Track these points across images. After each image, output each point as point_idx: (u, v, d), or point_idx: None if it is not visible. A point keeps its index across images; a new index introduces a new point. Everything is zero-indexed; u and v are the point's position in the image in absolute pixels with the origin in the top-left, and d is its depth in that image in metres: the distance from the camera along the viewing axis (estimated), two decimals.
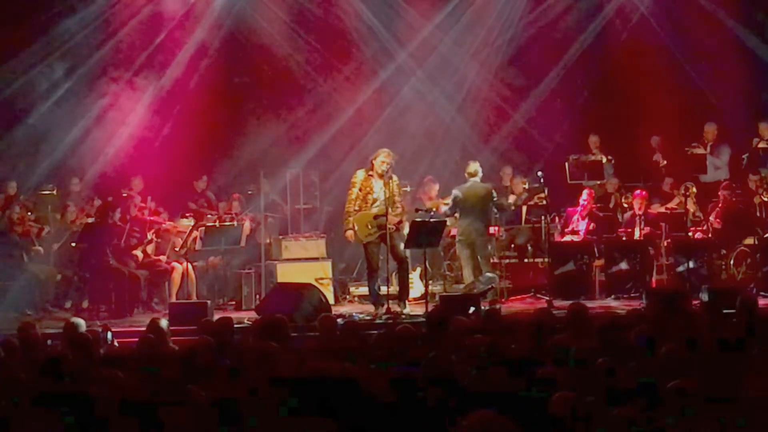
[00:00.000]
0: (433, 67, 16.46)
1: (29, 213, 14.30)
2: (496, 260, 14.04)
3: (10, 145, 15.39)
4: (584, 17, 16.56)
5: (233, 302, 14.18)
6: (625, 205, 14.64)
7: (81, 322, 8.90)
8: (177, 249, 14.00)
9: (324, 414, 5.24)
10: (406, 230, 12.48)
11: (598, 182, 15.18)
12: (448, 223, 13.48)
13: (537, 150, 16.52)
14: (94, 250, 13.27)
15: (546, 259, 13.73)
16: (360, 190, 12.25)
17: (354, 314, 12.38)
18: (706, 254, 13.75)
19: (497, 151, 16.59)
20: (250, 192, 15.37)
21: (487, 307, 11.36)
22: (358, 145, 15.48)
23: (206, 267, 14.30)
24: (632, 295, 13.27)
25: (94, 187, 15.48)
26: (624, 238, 14.12)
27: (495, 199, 13.35)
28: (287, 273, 13.67)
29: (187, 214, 14.77)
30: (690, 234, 13.85)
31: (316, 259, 14.02)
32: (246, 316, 12.13)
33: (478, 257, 13.21)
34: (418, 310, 12.36)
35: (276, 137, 16.09)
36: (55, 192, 15.09)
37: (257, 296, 13.76)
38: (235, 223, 14.14)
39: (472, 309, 11.01)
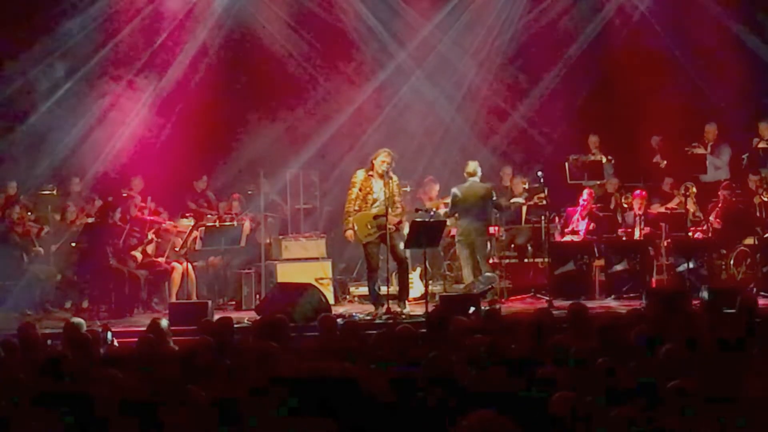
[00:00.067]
0: (433, 66, 16.46)
1: (29, 213, 14.31)
2: (496, 260, 14.04)
3: (11, 145, 15.38)
4: (584, 17, 16.56)
5: (233, 302, 14.18)
6: (625, 205, 14.64)
7: (81, 322, 8.91)
8: (177, 249, 14.00)
9: (324, 414, 5.24)
10: (406, 230, 12.48)
11: (598, 182, 15.18)
12: (448, 223, 13.48)
13: (537, 150, 16.53)
14: (94, 250, 13.27)
15: (546, 259, 13.73)
16: (360, 190, 12.25)
17: (354, 314, 12.38)
18: (706, 254, 13.75)
19: (497, 151, 16.59)
20: (250, 192, 15.37)
21: (486, 307, 11.36)
22: (358, 145, 15.49)
23: (206, 267, 14.30)
24: (632, 295, 13.26)
25: (95, 187, 15.48)
26: (624, 238, 14.11)
27: (494, 199, 13.35)
28: (287, 273, 13.67)
29: (187, 214, 14.78)
30: (690, 234, 13.85)
31: (316, 259, 14.02)
32: (246, 316, 12.13)
33: (478, 257, 13.21)
34: (418, 310, 12.36)
35: (276, 137, 16.08)
36: (55, 192, 15.09)
37: (257, 296, 13.76)
38: (235, 223, 14.14)
39: (472, 309, 11.00)
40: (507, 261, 14.26)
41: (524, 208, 14.61)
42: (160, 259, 13.86)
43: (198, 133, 15.83)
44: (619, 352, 6.79)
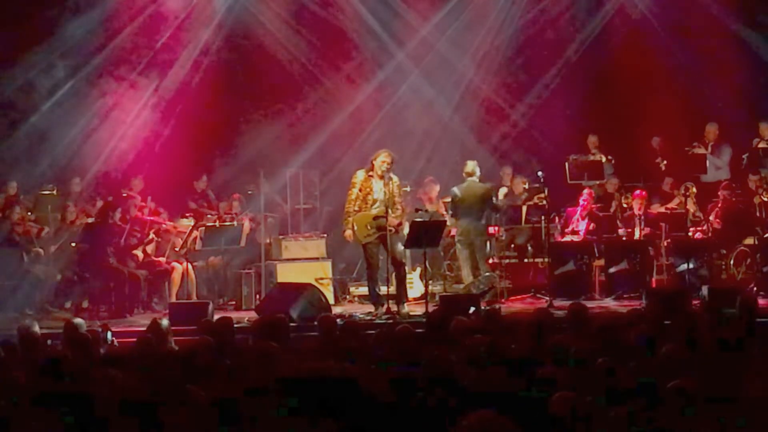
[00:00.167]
0: (433, 66, 16.46)
1: (29, 213, 14.31)
2: (496, 260, 14.05)
3: (12, 145, 15.38)
4: (584, 17, 16.56)
5: (233, 302, 14.18)
6: (625, 205, 14.64)
7: (81, 322, 8.90)
8: (177, 249, 14.00)
9: (324, 414, 5.24)
10: (406, 230, 12.48)
11: (598, 182, 15.17)
12: (448, 223, 13.49)
13: (537, 150, 16.52)
14: (94, 250, 13.28)
15: (546, 259, 13.73)
16: (360, 190, 12.24)
17: (354, 314, 12.38)
18: (706, 254, 13.74)
19: (497, 151, 16.58)
20: (250, 192, 15.37)
21: (486, 307, 11.36)
22: (359, 145, 15.48)
23: (206, 267, 14.30)
24: (632, 295, 13.26)
25: (95, 187, 15.48)
26: (624, 238, 14.11)
27: (494, 200, 13.35)
28: (287, 273, 13.67)
29: (187, 214, 14.79)
30: (690, 234, 13.85)
31: (316, 259, 14.03)
32: (246, 316, 12.13)
33: (477, 257, 13.21)
34: (418, 310, 12.36)
35: (276, 137, 16.09)
36: (55, 192, 15.09)
37: (257, 296, 13.76)
38: (235, 223, 14.14)
39: (472, 309, 11.00)
40: (507, 261, 14.25)
41: (524, 208, 14.61)
42: (160, 259, 13.87)
43: (198, 132, 15.84)
44: (619, 352, 6.79)
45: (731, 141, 15.38)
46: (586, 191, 14.31)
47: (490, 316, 9.15)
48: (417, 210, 13.13)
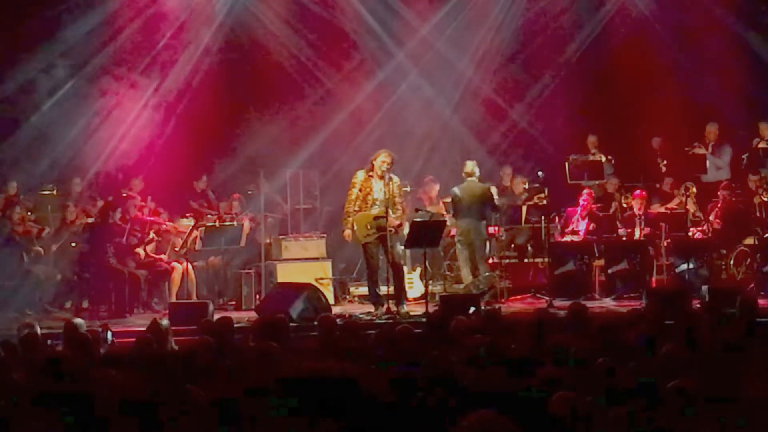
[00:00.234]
0: (433, 66, 16.46)
1: (29, 213, 14.30)
2: (496, 260, 14.05)
3: (13, 145, 15.38)
4: (584, 16, 16.55)
5: (233, 302, 14.18)
6: (625, 205, 14.64)
7: (81, 322, 8.91)
8: (177, 249, 14.00)
9: (324, 414, 5.24)
10: (406, 231, 12.48)
11: (598, 182, 15.17)
12: (448, 223, 13.49)
13: (537, 150, 16.52)
14: (94, 250, 13.28)
15: (546, 259, 13.73)
16: (360, 190, 12.25)
17: (354, 314, 12.38)
18: (706, 254, 13.75)
19: (498, 151, 16.58)
20: (250, 192, 15.37)
21: (486, 307, 11.36)
22: (359, 145, 15.48)
23: (206, 267, 14.30)
24: (632, 295, 13.26)
25: (96, 188, 15.48)
26: (624, 238, 14.11)
27: (495, 200, 13.34)
28: (287, 273, 13.67)
29: (188, 214, 14.79)
30: (690, 234, 13.85)
31: (316, 259, 14.03)
32: (246, 316, 12.12)
33: (477, 258, 13.22)
34: (418, 310, 12.37)
35: (276, 137, 16.08)
36: (55, 192, 15.10)
37: (257, 296, 13.76)
38: (235, 223, 14.15)
39: (472, 309, 11.00)
40: (507, 261, 14.26)
41: (524, 208, 14.61)
42: (162, 257, 13.87)
43: (198, 132, 15.84)
44: (619, 352, 6.79)
45: (731, 141, 15.38)
46: (586, 191, 14.31)
47: (490, 316, 9.15)
48: (417, 210, 13.12)
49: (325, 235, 14.40)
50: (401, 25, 16.45)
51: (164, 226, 14.24)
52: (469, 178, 13.33)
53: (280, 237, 14.48)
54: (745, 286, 12.99)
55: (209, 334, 7.97)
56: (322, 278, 13.66)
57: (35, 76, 15.47)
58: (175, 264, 13.72)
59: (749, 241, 13.89)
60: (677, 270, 13.66)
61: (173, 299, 13.32)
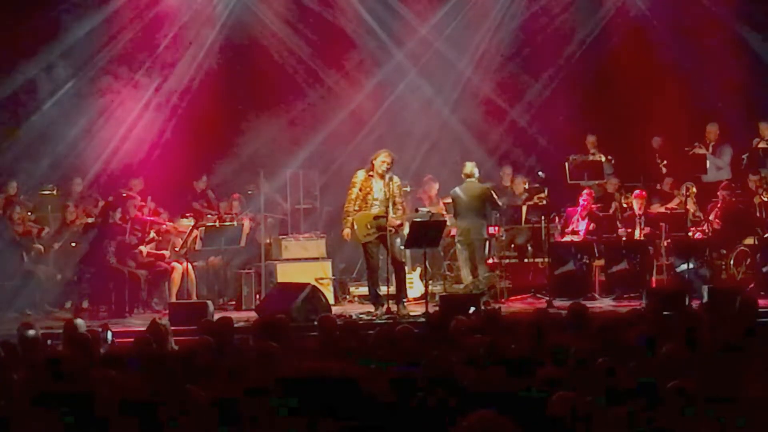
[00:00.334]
0: (432, 66, 16.46)
1: (29, 213, 14.30)
2: (496, 260, 14.05)
3: (14, 144, 15.38)
4: (584, 16, 16.55)
5: (233, 302, 14.18)
6: (625, 205, 14.63)
7: (81, 322, 8.91)
8: (177, 249, 14.00)
9: (324, 414, 5.24)
10: (406, 230, 12.48)
11: (598, 182, 15.16)
12: (448, 223, 13.49)
13: (537, 150, 16.52)
14: (94, 250, 13.28)
15: (546, 259, 13.73)
16: (360, 190, 12.25)
17: (354, 314, 12.38)
18: (706, 254, 13.75)
19: (498, 151, 16.58)
20: (250, 192, 15.37)
21: (485, 307, 11.36)
22: (359, 145, 15.48)
23: (206, 267, 14.30)
24: (632, 295, 13.26)
25: (98, 188, 15.48)
26: (624, 238, 14.11)
27: (493, 199, 13.34)
28: (287, 273, 13.67)
29: (188, 214, 14.79)
30: (690, 234, 13.85)
31: (316, 259, 14.02)
32: (246, 316, 12.12)
33: (476, 258, 13.22)
34: (418, 310, 12.37)
35: (276, 137, 16.08)
36: (55, 192, 15.10)
37: (257, 296, 13.76)
38: (235, 223, 14.15)
39: (472, 309, 11.00)
40: (507, 261, 14.25)
41: (524, 208, 14.61)
42: (164, 253, 13.87)
43: (198, 132, 15.85)
44: (619, 352, 6.78)
45: (731, 141, 15.38)
46: (586, 191, 14.30)
47: (490, 316, 9.15)
48: (417, 210, 13.12)
49: (325, 235, 14.40)
50: (401, 25, 16.45)
51: (164, 226, 14.23)
52: (468, 179, 13.33)
53: (280, 237, 14.48)
54: (745, 286, 12.98)
55: (209, 334, 7.97)
56: (322, 278, 13.66)
57: (36, 76, 15.46)
58: (175, 264, 13.72)
59: (749, 241, 13.89)
60: (677, 270, 13.65)
61: (173, 299, 13.32)
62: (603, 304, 13.13)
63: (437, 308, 11.78)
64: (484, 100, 16.71)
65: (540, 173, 13.93)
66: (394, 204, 12.17)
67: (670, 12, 16.21)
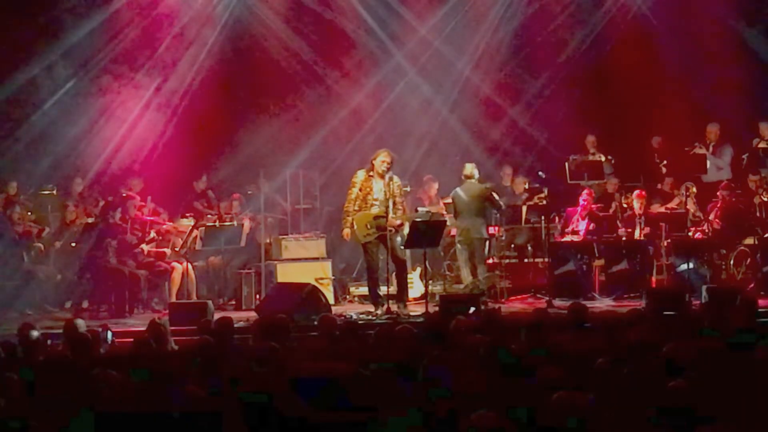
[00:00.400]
0: (432, 65, 16.45)
1: (29, 213, 14.30)
2: (496, 260, 14.05)
3: (14, 144, 15.38)
4: (584, 16, 16.54)
5: (233, 302, 14.17)
6: (625, 205, 14.63)
7: (81, 322, 8.91)
8: (177, 249, 14.00)
9: (324, 414, 5.24)
10: (406, 230, 12.48)
11: (598, 182, 15.15)
12: (447, 223, 13.49)
13: (537, 150, 16.52)
14: (94, 250, 13.28)
15: (546, 259, 13.72)
16: (360, 190, 12.26)
17: (354, 314, 12.38)
18: (706, 254, 13.75)
19: (498, 151, 16.58)
20: (250, 192, 15.37)
21: (485, 307, 11.36)
22: (359, 145, 15.48)
23: (206, 267, 14.30)
24: (632, 295, 13.26)
25: (97, 188, 15.48)
26: (624, 238, 14.11)
27: (494, 199, 13.34)
28: (287, 273, 13.66)
29: (188, 214, 14.79)
30: (690, 234, 13.85)
31: (316, 259, 14.02)
32: (246, 316, 12.12)
33: (476, 258, 13.22)
34: (418, 310, 12.37)
35: (276, 136, 16.08)
36: (55, 192, 15.10)
37: (257, 296, 13.75)
38: (235, 223, 14.14)
39: (472, 309, 11.00)
40: (507, 261, 14.25)
41: (524, 208, 14.61)
42: (165, 250, 13.87)
43: (198, 132, 15.84)
44: (619, 352, 6.78)
45: (731, 141, 15.38)
46: (585, 191, 14.30)
47: (490, 316, 9.15)
48: (417, 210, 13.11)
49: (325, 235, 14.40)
50: (401, 25, 16.44)
51: (164, 226, 14.23)
52: (468, 180, 13.33)
53: (280, 237, 14.47)
54: (745, 286, 12.99)
55: (209, 334, 7.98)
56: (322, 278, 13.65)
57: (37, 76, 15.46)
58: (175, 264, 13.72)
59: (749, 241, 13.89)
60: (677, 270, 13.66)
61: (173, 299, 13.31)
62: (603, 304, 13.13)
63: (437, 308, 11.78)
64: (484, 100, 16.70)
65: (540, 173, 13.92)
66: (394, 204, 12.17)
67: (670, 12, 16.20)
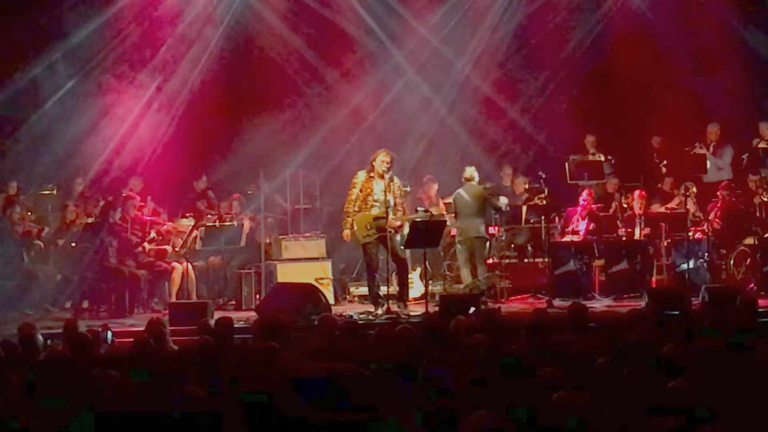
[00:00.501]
0: (432, 65, 16.45)
1: (29, 213, 14.30)
2: (496, 260, 14.05)
3: (15, 144, 15.38)
4: (583, 15, 16.55)
5: (233, 302, 14.18)
6: (625, 205, 14.63)
7: (81, 322, 8.90)
8: (177, 249, 14.00)
9: (324, 414, 5.24)
10: (406, 230, 12.48)
11: (596, 182, 15.15)
12: (447, 223, 13.50)
13: (537, 150, 16.52)
14: (94, 250, 13.28)
15: (546, 259, 13.73)
16: (360, 191, 12.26)
17: (354, 314, 12.38)
18: (706, 254, 13.75)
19: (498, 151, 16.58)
20: (250, 192, 15.37)
21: (485, 307, 11.36)
22: (359, 145, 15.48)
23: (206, 267, 14.30)
24: (632, 295, 13.26)
25: (97, 188, 15.48)
26: (624, 238, 14.11)
27: (492, 199, 13.33)
28: (287, 273, 13.67)
29: (188, 214, 14.79)
30: (690, 234, 13.85)
31: (316, 259, 14.02)
32: (246, 316, 12.12)
33: (476, 258, 13.22)
34: (418, 310, 12.37)
35: (276, 137, 16.08)
36: (55, 192, 15.10)
37: (257, 296, 13.76)
38: (235, 223, 14.15)
39: (472, 309, 11.00)
40: (507, 261, 14.25)
41: (524, 208, 14.61)
42: (166, 248, 13.86)
43: (198, 132, 15.85)
44: (619, 352, 6.78)
45: (731, 141, 15.38)
46: (585, 191, 14.30)
47: (490, 316, 9.15)
48: (417, 210, 13.12)
49: (325, 235, 14.40)
50: (400, 25, 16.44)
51: (164, 227, 14.24)
52: (468, 183, 13.34)
53: (280, 237, 14.48)
54: (745, 286, 13.00)
55: (209, 334, 7.98)
56: (322, 278, 13.66)
57: (37, 76, 15.46)
58: (175, 264, 13.72)
59: (749, 241, 13.89)
60: (677, 270, 13.66)
61: (173, 299, 13.32)
62: (603, 304, 13.13)
63: (437, 308, 11.79)
64: (483, 100, 16.71)
65: (540, 173, 13.93)
66: (394, 205, 12.17)
67: (670, 11, 16.20)
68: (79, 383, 6.34)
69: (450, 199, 13.79)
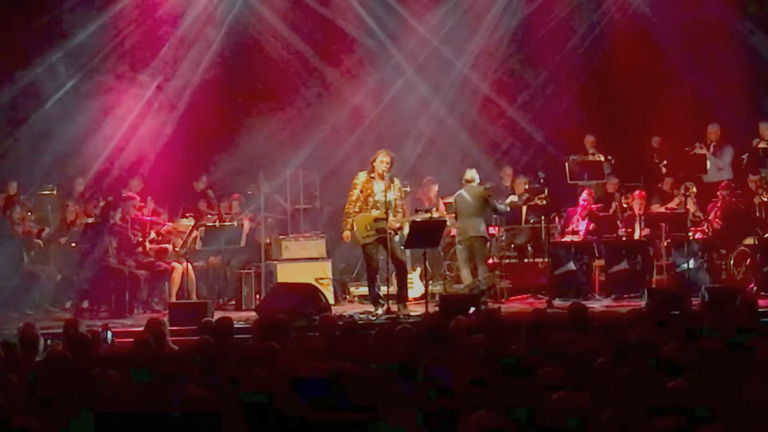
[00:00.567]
0: (432, 65, 16.45)
1: (29, 213, 14.31)
2: (496, 260, 14.05)
3: (15, 144, 15.38)
4: (583, 15, 16.55)
5: (233, 302, 14.18)
6: (625, 205, 14.63)
7: (81, 322, 8.90)
8: (177, 249, 14.00)
9: (324, 414, 5.24)
10: (406, 231, 12.48)
11: (597, 182, 15.15)
12: (448, 223, 13.50)
13: (537, 150, 16.52)
14: (94, 250, 13.28)
15: (546, 259, 13.73)
16: (361, 191, 12.26)
17: (354, 314, 12.38)
18: (706, 254, 13.76)
19: (498, 151, 16.58)
20: (250, 192, 15.37)
21: (485, 307, 11.36)
22: (359, 145, 15.49)
23: (206, 267, 14.30)
24: (632, 295, 13.27)
25: (97, 188, 15.49)
26: (624, 238, 14.11)
27: (491, 200, 13.33)
28: (287, 273, 13.67)
29: (188, 214, 14.80)
30: (690, 234, 13.85)
31: (316, 259, 14.02)
32: (246, 316, 12.13)
33: (476, 259, 13.22)
34: (418, 310, 12.37)
35: (276, 137, 16.08)
36: (55, 192, 15.10)
37: (257, 296, 13.76)
38: (235, 223, 14.15)
39: (472, 309, 11.00)
40: (507, 261, 14.26)
41: (524, 209, 14.62)
42: (166, 246, 13.86)
43: (198, 132, 15.86)
44: (619, 352, 6.78)
45: (731, 141, 15.38)
46: (585, 191, 14.31)
47: (490, 316, 9.15)
48: (417, 210, 13.12)
49: (325, 235, 14.40)
50: (399, 24, 16.44)
51: (164, 227, 14.24)
52: (469, 184, 13.34)
53: (280, 237, 14.48)
54: (745, 286, 13.00)
55: (209, 334, 7.98)
56: (322, 278, 13.66)
57: (38, 76, 15.46)
58: (175, 264, 13.72)
59: (749, 241, 13.89)
60: (677, 270, 13.66)
61: (173, 299, 13.32)
62: (603, 304, 13.14)
63: (437, 308, 11.79)
64: (483, 99, 16.71)
65: (540, 173, 13.92)
66: (395, 206, 12.17)
67: (670, 11, 16.20)
68: (79, 383, 6.34)
69: (450, 199, 13.79)
